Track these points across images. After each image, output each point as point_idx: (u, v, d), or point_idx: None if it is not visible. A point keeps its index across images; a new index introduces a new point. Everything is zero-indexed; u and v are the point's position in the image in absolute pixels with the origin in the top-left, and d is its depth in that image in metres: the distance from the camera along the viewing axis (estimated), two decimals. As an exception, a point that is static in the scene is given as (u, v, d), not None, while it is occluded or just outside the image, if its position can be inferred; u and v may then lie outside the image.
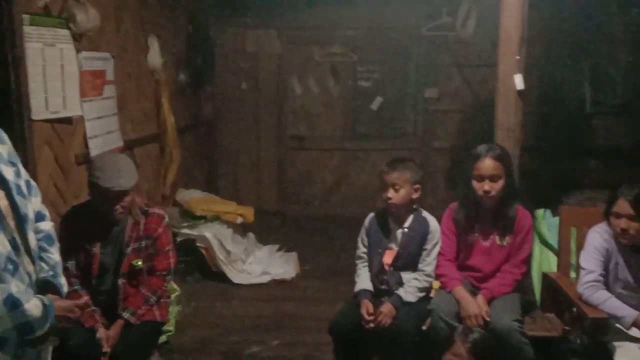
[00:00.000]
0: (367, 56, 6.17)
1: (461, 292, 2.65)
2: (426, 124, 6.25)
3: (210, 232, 4.37)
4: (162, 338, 3.33)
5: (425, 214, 2.84)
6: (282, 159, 6.36)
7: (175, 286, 3.59)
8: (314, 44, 6.12)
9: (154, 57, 4.32)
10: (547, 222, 3.55)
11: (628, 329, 2.38)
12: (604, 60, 5.74)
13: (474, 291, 2.72)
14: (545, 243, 3.56)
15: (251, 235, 5.03)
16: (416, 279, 2.75)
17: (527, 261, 2.78)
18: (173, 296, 3.47)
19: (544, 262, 3.57)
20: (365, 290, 2.78)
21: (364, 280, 2.84)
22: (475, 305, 2.57)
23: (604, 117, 5.85)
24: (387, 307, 2.64)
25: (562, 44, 5.72)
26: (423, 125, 6.26)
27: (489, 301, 2.63)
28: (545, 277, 2.99)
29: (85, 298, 2.56)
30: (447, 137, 6.22)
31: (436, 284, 2.92)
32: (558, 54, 5.77)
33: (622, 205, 2.47)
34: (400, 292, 2.71)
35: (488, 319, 2.51)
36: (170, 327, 3.40)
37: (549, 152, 5.79)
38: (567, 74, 5.81)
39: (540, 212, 3.63)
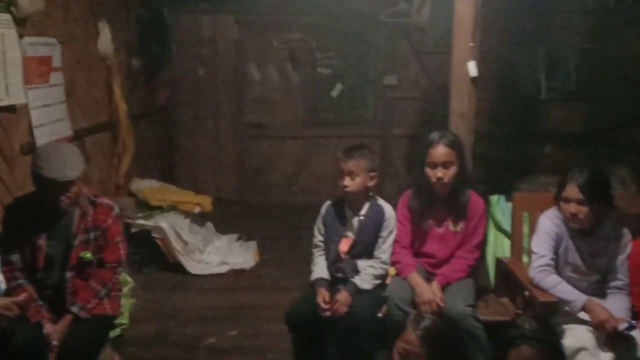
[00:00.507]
0: (326, 43, 6.14)
1: (416, 278, 2.66)
2: (385, 110, 6.27)
3: (166, 223, 4.29)
4: (116, 331, 3.26)
5: (381, 201, 2.84)
6: (242, 147, 6.29)
7: (128, 278, 3.52)
8: (272, 30, 6.05)
9: (105, 43, 4.19)
10: (502, 208, 3.60)
11: (577, 313, 2.44)
12: (558, 47, 5.86)
13: (429, 277, 2.74)
14: (499, 228, 3.62)
15: (209, 224, 4.97)
16: (372, 266, 2.76)
17: (480, 246, 2.81)
18: (126, 288, 3.40)
19: (499, 247, 3.63)
20: (321, 279, 2.77)
21: (320, 269, 2.83)
22: (429, 292, 2.59)
23: (558, 103, 5.97)
24: (343, 295, 2.63)
25: (518, 31, 5.80)
26: (382, 112, 6.29)
27: (444, 287, 2.66)
28: (498, 262, 3.03)
29: (27, 293, 2.46)
30: (407, 124, 6.25)
31: (392, 271, 2.94)
32: (514, 41, 5.86)
33: (571, 190, 2.51)
34: (356, 279, 2.71)
35: (442, 305, 2.54)
36: (124, 320, 3.33)
37: (505, 139, 5.89)
38: (522, 60, 5.91)
39: (494, 198, 3.68)
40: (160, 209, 4.40)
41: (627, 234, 2.61)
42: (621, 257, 2.57)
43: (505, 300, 2.90)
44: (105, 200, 2.70)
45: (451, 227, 2.79)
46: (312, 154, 6.35)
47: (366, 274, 2.73)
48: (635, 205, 2.96)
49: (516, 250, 2.98)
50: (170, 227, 4.30)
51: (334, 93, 6.21)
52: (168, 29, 5.72)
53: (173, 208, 4.47)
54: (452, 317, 2.48)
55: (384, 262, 2.78)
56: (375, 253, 2.79)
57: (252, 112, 6.26)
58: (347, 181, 2.74)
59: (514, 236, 2.98)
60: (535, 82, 5.94)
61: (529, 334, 1.92)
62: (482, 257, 3.70)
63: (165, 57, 5.66)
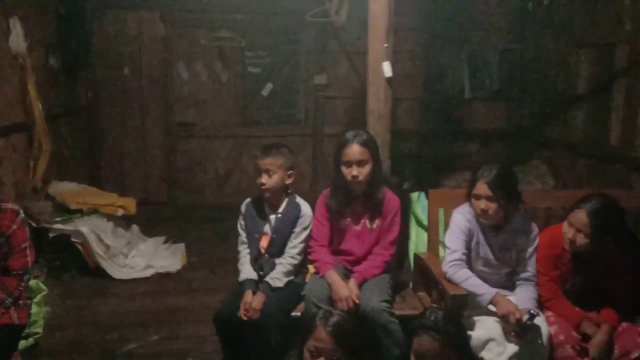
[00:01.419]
0: (256, 41, 6.10)
1: (333, 276, 2.68)
2: (316, 110, 6.29)
3: (86, 227, 4.15)
4: (29, 341, 3.14)
5: (298, 199, 2.86)
6: (171, 147, 6.16)
7: (42, 285, 3.38)
8: (200, 28, 5.96)
9: (17, 40, 4.01)
10: (422, 205, 3.69)
11: (485, 305, 2.53)
12: (482, 48, 6.06)
13: (347, 275, 2.77)
14: (420, 224, 3.71)
15: (135, 227, 4.85)
16: (281, 263, 2.77)
17: (396, 242, 2.85)
18: (39, 296, 3.27)
19: (420, 242, 3.71)
20: (249, 280, 2.75)
21: (248, 269, 2.81)
22: (345, 289, 2.61)
23: (482, 102, 6.18)
24: (256, 300, 2.62)
25: (444, 32, 5.96)
26: (313, 111, 6.30)
27: (361, 284, 2.69)
28: (416, 257, 3.10)
29: None
30: (338, 123, 6.29)
31: (311, 269, 2.96)
32: (440, 42, 6.01)
33: (481, 187, 2.60)
34: (269, 279, 2.71)
35: (357, 302, 2.57)
36: (37, 329, 3.20)
37: (432, 136, 6.05)
38: (448, 61, 6.08)
39: (415, 195, 3.77)
40: (81, 212, 4.25)
41: (535, 228, 2.72)
42: (529, 250, 2.68)
43: (422, 294, 2.97)
44: (10, 205, 2.58)
45: (368, 225, 2.83)
46: (243, 154, 6.29)
47: (276, 272, 2.74)
48: (545, 200, 3.08)
49: (432, 245, 3.06)
50: (91, 231, 4.16)
51: (265, 92, 6.18)
52: (90, 27, 5.53)
53: (94, 211, 4.33)
54: (367, 313, 2.51)
55: (292, 257, 2.78)
56: (286, 248, 2.80)
57: (181, 112, 6.14)
58: (264, 178, 2.74)
59: (430, 231, 3.05)
60: (460, 82, 6.12)
61: (430, 325, 1.96)
62: (404, 253, 3.80)
63: (85, 56, 5.47)
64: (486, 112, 6.20)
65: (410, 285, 3.12)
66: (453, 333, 1.98)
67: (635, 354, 2.39)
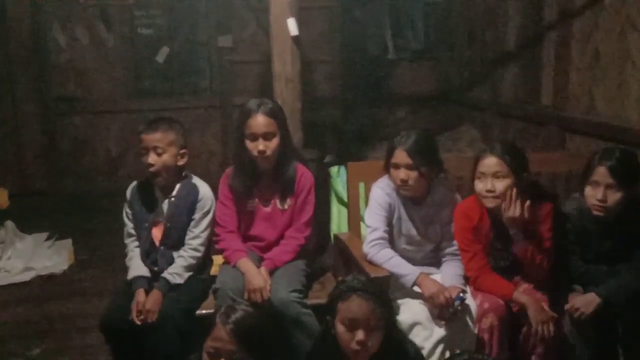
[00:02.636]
0: (146, -2, 5.93)
1: (246, 264, 2.67)
2: (223, 77, 6.21)
3: (-55, 226, 3.92)
4: None
5: (196, 180, 2.82)
6: (50, 126, 5.94)
7: None
8: (77, -15, 5.70)
9: None
10: (342, 180, 3.71)
11: (410, 286, 2.59)
12: (404, 3, 6.14)
13: (261, 263, 2.76)
14: (341, 202, 3.74)
15: (10, 224, 4.69)
16: (181, 256, 2.72)
17: (311, 223, 2.87)
18: None
19: (343, 222, 3.75)
20: (140, 277, 2.69)
21: (137, 264, 2.74)
22: (260, 277, 2.61)
23: (407, 63, 6.30)
24: (150, 301, 2.57)
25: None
26: (220, 78, 6.23)
27: (272, 272, 2.70)
28: (336, 238, 3.13)
29: None
30: (249, 92, 6.19)
31: (218, 260, 2.93)
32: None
33: (400, 155, 2.65)
34: (166, 275, 2.66)
35: (269, 294, 2.58)
36: None
37: (355, 104, 6.11)
38: (368, 17, 6.12)
39: (334, 169, 3.79)
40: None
41: (459, 199, 2.81)
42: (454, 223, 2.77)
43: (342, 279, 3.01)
44: None
45: (279, 205, 2.82)
46: (138, 131, 6.10)
47: (175, 267, 2.70)
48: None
49: (353, 224, 3.08)
50: (-49, 231, 3.93)
51: (160, 58, 6.04)
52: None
53: (-46, 207, 4.09)
54: (275, 305, 2.53)
55: (194, 249, 2.75)
56: (186, 239, 2.75)
57: (60, 84, 5.92)
58: (152, 158, 2.67)
59: (350, 209, 3.08)
60: (383, 41, 6.19)
61: (359, 286, 2.03)
62: (327, 235, 3.84)
63: None
64: (412, 74, 6.33)
65: (331, 269, 3.16)
66: (381, 293, 2.06)
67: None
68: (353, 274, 2.23)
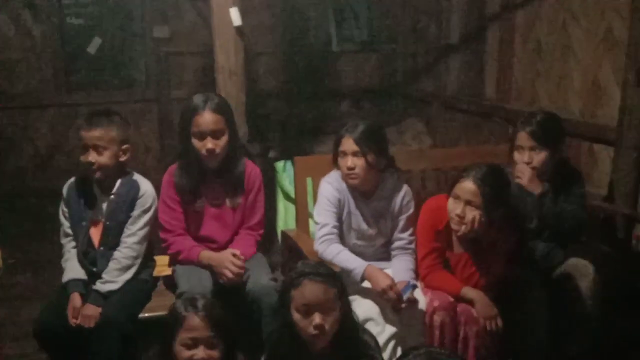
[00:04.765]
0: (76, -14, 5.76)
1: (207, 254, 2.67)
2: (160, 69, 6.10)
3: None
4: None
5: (137, 176, 2.76)
6: (-29, 122, 5.66)
7: None
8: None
9: None
10: (288, 175, 3.74)
11: (359, 281, 2.62)
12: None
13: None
14: (288, 197, 3.76)
15: None
16: (114, 258, 2.65)
17: (264, 221, 2.88)
18: None
19: (290, 218, 3.78)
20: (75, 281, 2.62)
21: (73, 266, 2.67)
22: (227, 254, 2.61)
23: (351, 55, 6.35)
24: (89, 309, 2.51)
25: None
26: (156, 71, 6.11)
27: None
28: (284, 235, 3.14)
29: None
30: (187, 85, 6.13)
31: (162, 260, 2.89)
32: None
33: (347, 143, 2.69)
34: (97, 285, 2.59)
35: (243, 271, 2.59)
36: None
37: (298, 97, 6.11)
38: (311, 10, 6.13)
39: (280, 164, 3.81)
40: None
41: (408, 192, 2.86)
42: (404, 216, 2.82)
43: (292, 276, 3.02)
44: None
45: (228, 204, 2.81)
46: (69, 126, 5.94)
47: (108, 272, 2.62)
48: (420, 161, 3.25)
49: (301, 220, 3.11)
50: None
51: (92, 49, 5.87)
52: None
53: None
54: (255, 293, 2.55)
55: (129, 248, 2.67)
56: (122, 236, 2.68)
57: (-19, 77, 5.65)
58: (92, 156, 2.60)
59: (298, 205, 3.10)
60: (326, 33, 6.22)
61: (309, 270, 2.06)
62: (273, 232, 3.85)
63: None
64: (356, 66, 6.38)
65: (280, 268, 3.17)
66: (333, 274, 2.10)
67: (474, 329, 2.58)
68: (302, 260, 2.24)
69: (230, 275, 2.57)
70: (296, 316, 2.05)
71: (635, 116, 3.19)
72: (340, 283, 2.12)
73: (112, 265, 2.63)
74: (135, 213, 2.69)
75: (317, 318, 2.02)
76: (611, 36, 3.46)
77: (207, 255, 2.68)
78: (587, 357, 2.73)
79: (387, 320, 2.57)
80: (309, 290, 2.03)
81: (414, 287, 2.58)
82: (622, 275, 2.91)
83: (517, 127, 2.88)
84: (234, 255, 2.61)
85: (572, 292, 2.76)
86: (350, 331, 2.14)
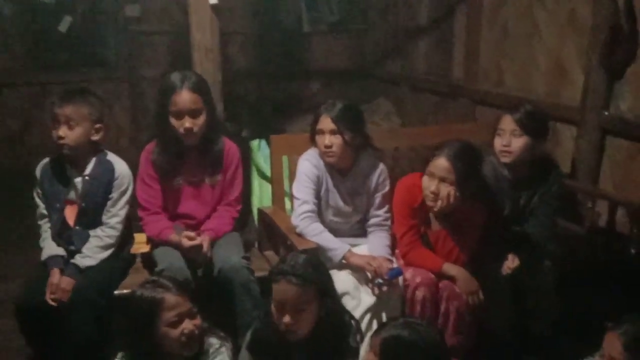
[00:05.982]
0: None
1: (172, 238, 2.65)
2: (131, 48, 6.00)
3: None
4: None
5: (111, 156, 2.72)
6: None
7: None
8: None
9: None
10: (263, 154, 3.72)
11: (338, 262, 2.64)
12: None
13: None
14: (263, 176, 3.75)
15: None
16: (96, 236, 2.64)
17: (241, 197, 2.88)
18: None
19: (265, 196, 3.76)
20: (55, 257, 2.59)
21: (51, 244, 2.64)
22: (190, 235, 2.61)
23: (322, 36, 6.33)
24: (64, 281, 2.50)
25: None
26: (127, 50, 6.00)
27: (213, 242, 2.69)
28: (260, 213, 3.14)
29: None
30: (159, 64, 6.04)
31: (140, 238, 2.87)
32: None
33: (324, 121, 2.70)
34: (76, 258, 2.57)
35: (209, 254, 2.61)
36: None
37: (269, 77, 6.08)
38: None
39: (255, 143, 3.79)
40: None
41: (384, 170, 2.88)
42: (380, 194, 2.85)
43: (269, 253, 3.04)
44: None
45: (207, 181, 2.79)
46: (41, 105, 5.81)
47: (89, 248, 2.61)
48: (392, 140, 3.27)
49: (278, 197, 3.11)
50: None
51: (62, 27, 5.73)
52: None
53: None
54: (225, 271, 2.54)
55: (112, 227, 2.66)
56: (104, 218, 2.67)
57: (-50, 57, 5.49)
58: (62, 131, 2.55)
59: (274, 183, 3.10)
60: (298, 13, 6.17)
61: (288, 269, 2.05)
62: (248, 210, 3.84)
63: None
64: (327, 47, 6.36)
65: (256, 244, 3.17)
66: (312, 275, 2.08)
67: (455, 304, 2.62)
68: (292, 253, 2.23)
69: (193, 255, 2.58)
70: (273, 309, 2.08)
71: (598, 97, 3.24)
72: (321, 282, 2.11)
73: (93, 242, 2.62)
74: (114, 195, 2.67)
75: (286, 317, 2.04)
76: (575, 19, 3.50)
77: (171, 237, 2.66)
78: (552, 332, 2.80)
79: (364, 292, 2.60)
80: (283, 290, 2.04)
81: (400, 273, 2.60)
82: (583, 250, 3.00)
83: (500, 114, 2.87)
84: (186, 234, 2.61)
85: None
86: (332, 325, 2.14)
